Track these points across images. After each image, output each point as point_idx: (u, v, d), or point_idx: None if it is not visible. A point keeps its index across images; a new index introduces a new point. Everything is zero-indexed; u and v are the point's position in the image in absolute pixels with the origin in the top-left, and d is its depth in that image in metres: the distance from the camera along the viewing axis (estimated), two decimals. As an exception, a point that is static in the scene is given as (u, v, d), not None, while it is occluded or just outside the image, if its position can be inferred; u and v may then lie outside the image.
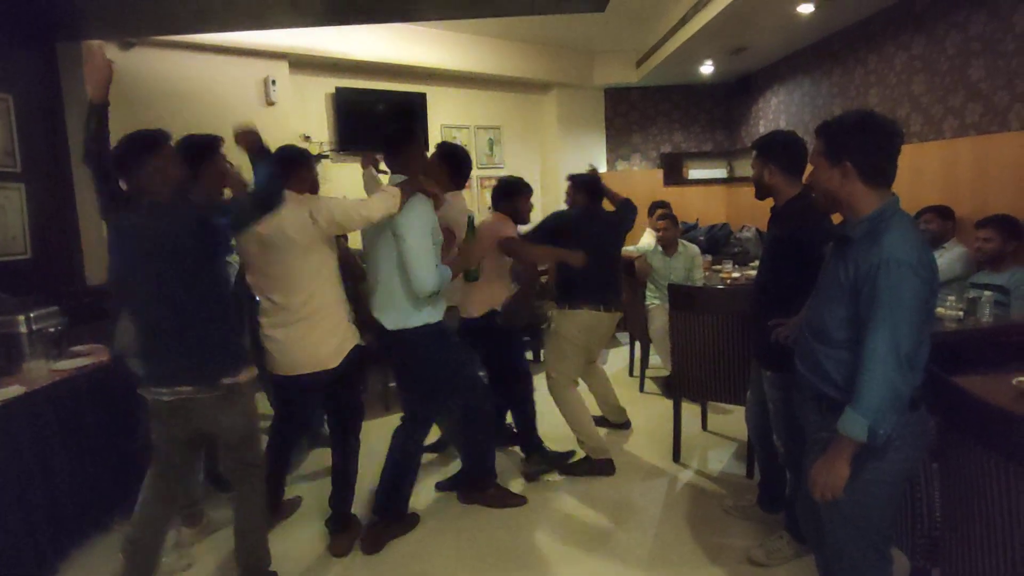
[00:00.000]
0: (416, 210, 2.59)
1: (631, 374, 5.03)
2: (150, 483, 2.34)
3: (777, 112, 7.24)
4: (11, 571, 2.39)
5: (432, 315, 2.72)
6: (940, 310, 2.78)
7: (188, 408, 2.17)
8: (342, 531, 2.84)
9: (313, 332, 2.59)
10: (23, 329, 2.85)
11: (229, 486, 2.63)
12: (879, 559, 1.76)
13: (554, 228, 3.47)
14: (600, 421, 3.91)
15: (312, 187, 2.76)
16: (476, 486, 3.14)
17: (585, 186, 3.67)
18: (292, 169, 2.60)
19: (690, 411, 3.78)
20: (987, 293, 2.90)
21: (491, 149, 7.58)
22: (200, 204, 2.28)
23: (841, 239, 1.76)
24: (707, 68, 7.12)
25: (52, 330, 2.94)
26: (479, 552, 2.77)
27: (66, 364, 2.91)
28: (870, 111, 1.73)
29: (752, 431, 2.84)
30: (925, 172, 4.52)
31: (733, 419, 3.96)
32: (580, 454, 3.44)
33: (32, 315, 2.88)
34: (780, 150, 2.45)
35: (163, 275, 2.08)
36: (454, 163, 3.19)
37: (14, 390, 2.52)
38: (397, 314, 2.69)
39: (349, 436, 2.84)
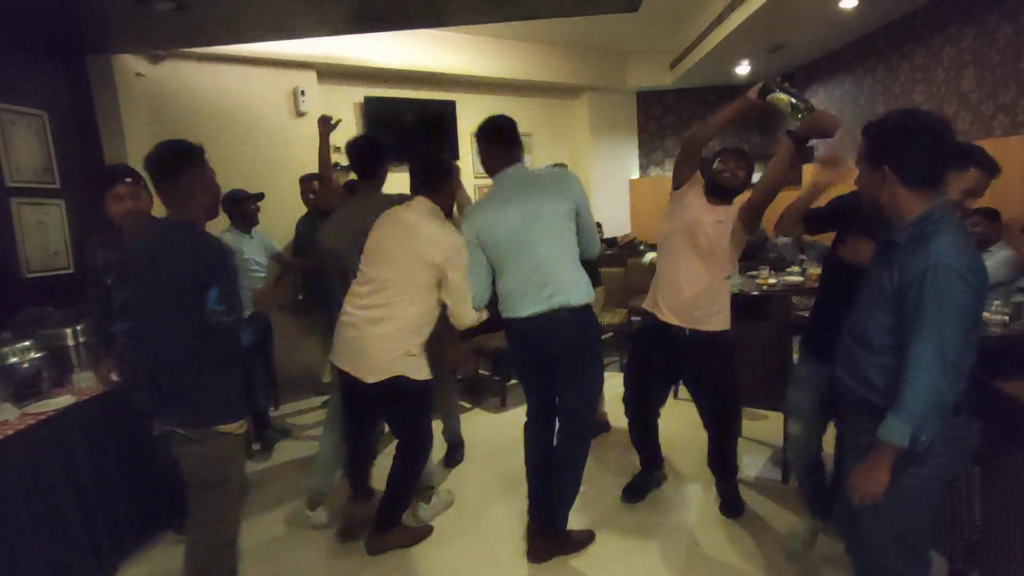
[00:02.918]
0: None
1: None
2: None
3: (817, 112, 7.02)
4: (71, 571, 2.47)
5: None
6: (985, 314, 2.71)
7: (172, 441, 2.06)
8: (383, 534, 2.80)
9: (383, 333, 2.56)
10: (70, 342, 2.94)
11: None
12: (918, 563, 1.75)
13: None
14: None
15: (450, 200, 2.84)
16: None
17: None
18: (439, 179, 2.74)
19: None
20: None
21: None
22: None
23: (886, 244, 1.70)
24: (743, 68, 6.97)
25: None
26: (507, 552, 2.78)
27: (115, 375, 2.89)
28: (915, 110, 1.66)
29: (804, 466, 2.59)
30: (974, 172, 4.30)
31: (770, 425, 3.89)
32: None
33: (78, 328, 2.97)
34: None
35: (158, 301, 1.96)
36: None
37: (65, 400, 2.61)
38: (579, 290, 2.52)
39: (408, 463, 2.78)
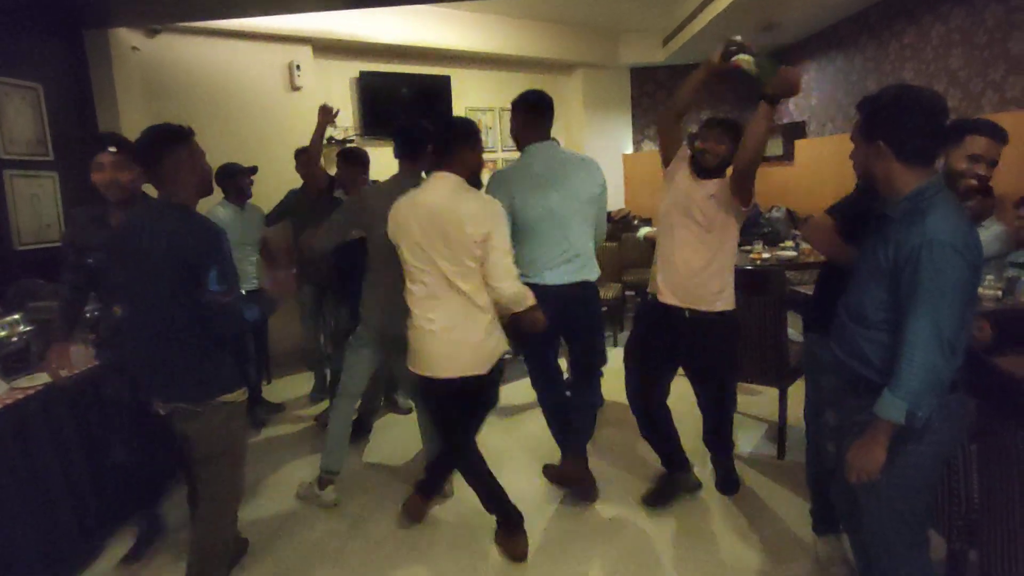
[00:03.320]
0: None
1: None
2: None
3: (808, 89, 7.07)
4: (59, 548, 2.47)
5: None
6: (979, 289, 2.69)
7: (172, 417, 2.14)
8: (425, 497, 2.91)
9: (476, 326, 2.41)
10: None
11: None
12: (916, 541, 1.74)
13: None
14: None
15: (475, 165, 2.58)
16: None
17: None
18: (458, 145, 2.45)
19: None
20: None
21: (516, 131, 7.49)
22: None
23: (880, 218, 1.70)
24: (736, 45, 6.95)
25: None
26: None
27: (85, 359, 2.79)
28: (911, 86, 1.66)
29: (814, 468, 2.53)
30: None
31: (764, 400, 3.93)
32: None
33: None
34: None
35: (153, 282, 1.99)
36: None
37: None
38: (595, 267, 2.90)
39: (460, 442, 2.67)
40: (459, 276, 2.34)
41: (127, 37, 4.45)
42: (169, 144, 2.02)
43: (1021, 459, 1.67)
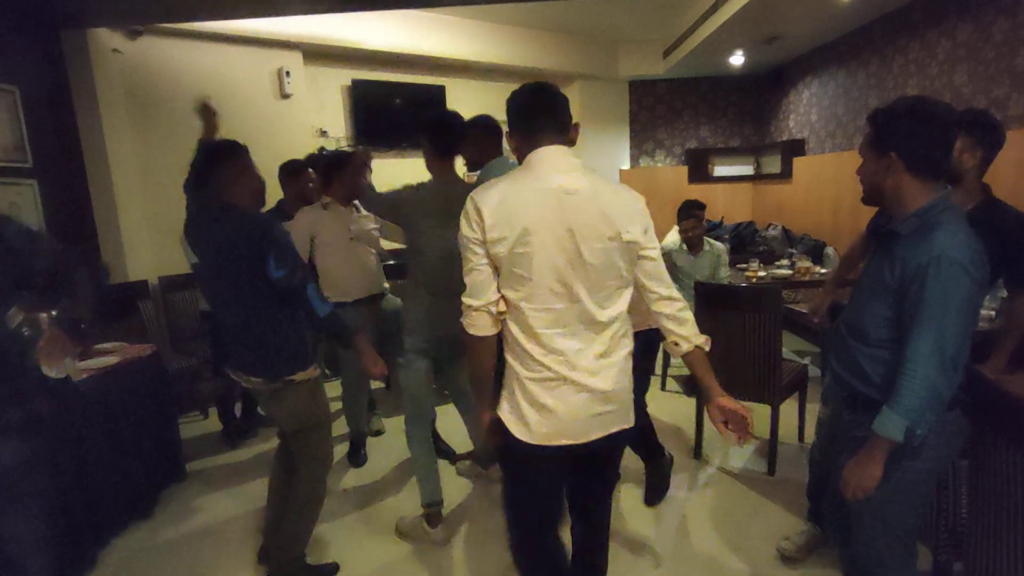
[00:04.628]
0: None
1: (653, 373, 4.90)
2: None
3: (809, 105, 6.98)
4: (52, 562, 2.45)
5: None
6: None
7: (257, 394, 2.39)
8: None
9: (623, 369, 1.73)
10: (44, 327, 2.81)
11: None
12: (905, 554, 1.77)
13: None
14: None
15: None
16: None
17: None
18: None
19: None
20: None
21: (513, 144, 7.38)
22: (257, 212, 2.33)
23: (887, 235, 1.66)
24: (737, 59, 6.89)
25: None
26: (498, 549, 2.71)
27: (91, 364, 2.96)
28: (924, 98, 1.62)
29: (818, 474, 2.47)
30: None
31: (756, 417, 3.80)
32: None
33: (53, 313, 2.82)
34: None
35: (224, 276, 2.23)
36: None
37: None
38: None
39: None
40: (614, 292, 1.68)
41: (108, 39, 4.31)
42: (217, 156, 2.27)
43: (1010, 476, 1.72)
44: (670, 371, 4.72)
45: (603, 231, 1.58)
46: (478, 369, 1.66)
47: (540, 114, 1.64)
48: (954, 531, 1.97)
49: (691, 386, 4.40)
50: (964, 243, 1.51)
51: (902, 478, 1.65)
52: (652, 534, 2.80)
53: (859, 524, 1.79)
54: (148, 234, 4.61)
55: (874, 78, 5.71)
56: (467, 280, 1.59)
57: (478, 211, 1.54)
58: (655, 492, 3.05)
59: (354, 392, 3.57)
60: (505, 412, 1.66)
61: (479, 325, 1.59)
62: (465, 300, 1.60)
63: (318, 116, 5.88)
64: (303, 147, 4.95)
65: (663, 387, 4.63)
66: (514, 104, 1.68)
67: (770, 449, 3.26)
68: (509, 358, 1.64)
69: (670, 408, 4.24)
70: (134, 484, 3.04)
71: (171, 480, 3.40)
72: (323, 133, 5.85)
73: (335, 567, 2.62)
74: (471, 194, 1.58)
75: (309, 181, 3.68)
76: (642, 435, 3.01)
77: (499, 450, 1.71)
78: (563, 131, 1.67)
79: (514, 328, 1.61)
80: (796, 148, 7.12)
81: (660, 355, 4.62)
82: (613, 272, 1.61)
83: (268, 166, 4.72)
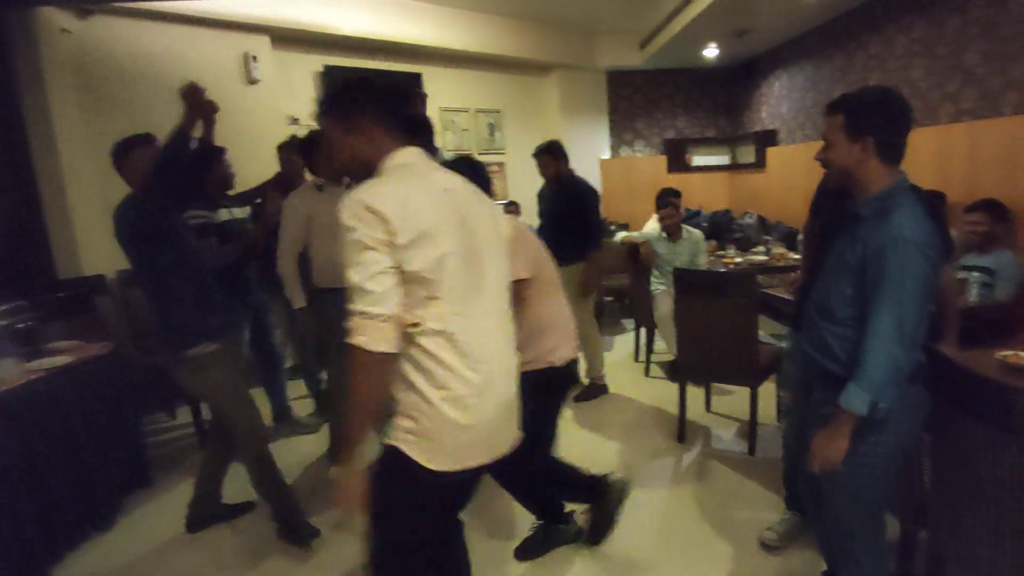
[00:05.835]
0: None
1: (637, 359, 5.10)
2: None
3: (780, 97, 7.24)
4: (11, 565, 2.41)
5: None
6: None
7: (169, 371, 2.54)
8: None
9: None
10: None
11: None
12: (874, 526, 1.83)
13: None
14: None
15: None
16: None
17: None
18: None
19: (694, 393, 3.93)
20: (974, 275, 3.01)
21: (491, 134, 7.34)
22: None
23: (851, 217, 1.76)
24: (711, 51, 7.10)
25: (21, 326, 2.81)
26: (483, 531, 2.79)
27: (44, 363, 2.81)
28: (888, 88, 1.74)
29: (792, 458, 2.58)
30: (919, 157, 4.55)
31: (735, 400, 4.06)
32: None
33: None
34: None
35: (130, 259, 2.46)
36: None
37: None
38: None
39: None
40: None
41: (56, 18, 4.03)
42: (124, 147, 2.52)
43: (969, 448, 1.78)
44: (653, 357, 4.84)
45: (490, 227, 1.61)
46: (373, 395, 1.41)
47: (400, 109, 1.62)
48: (918, 501, 2.04)
49: (674, 371, 4.40)
50: (920, 224, 1.59)
51: (868, 451, 1.70)
52: (637, 517, 2.82)
53: (829, 499, 1.85)
54: (105, 225, 4.04)
55: (839, 71, 5.97)
56: (369, 285, 1.35)
57: (374, 211, 1.35)
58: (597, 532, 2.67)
59: (339, 383, 3.35)
60: (410, 443, 1.47)
61: (386, 339, 1.36)
62: (366, 309, 1.35)
63: (288, 103, 5.53)
64: (273, 135, 4.75)
65: (647, 373, 4.77)
66: (364, 95, 1.55)
67: (750, 430, 3.36)
68: (414, 379, 1.45)
69: (654, 393, 4.35)
70: (92, 492, 2.86)
71: (136, 486, 3.24)
72: (294, 121, 5.56)
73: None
74: (358, 196, 1.38)
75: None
76: (544, 487, 2.59)
77: (390, 487, 1.52)
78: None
79: (426, 342, 1.44)
80: (768, 138, 7.39)
81: (644, 341, 4.90)
82: (505, 265, 1.67)
83: (235, 153, 4.16)
